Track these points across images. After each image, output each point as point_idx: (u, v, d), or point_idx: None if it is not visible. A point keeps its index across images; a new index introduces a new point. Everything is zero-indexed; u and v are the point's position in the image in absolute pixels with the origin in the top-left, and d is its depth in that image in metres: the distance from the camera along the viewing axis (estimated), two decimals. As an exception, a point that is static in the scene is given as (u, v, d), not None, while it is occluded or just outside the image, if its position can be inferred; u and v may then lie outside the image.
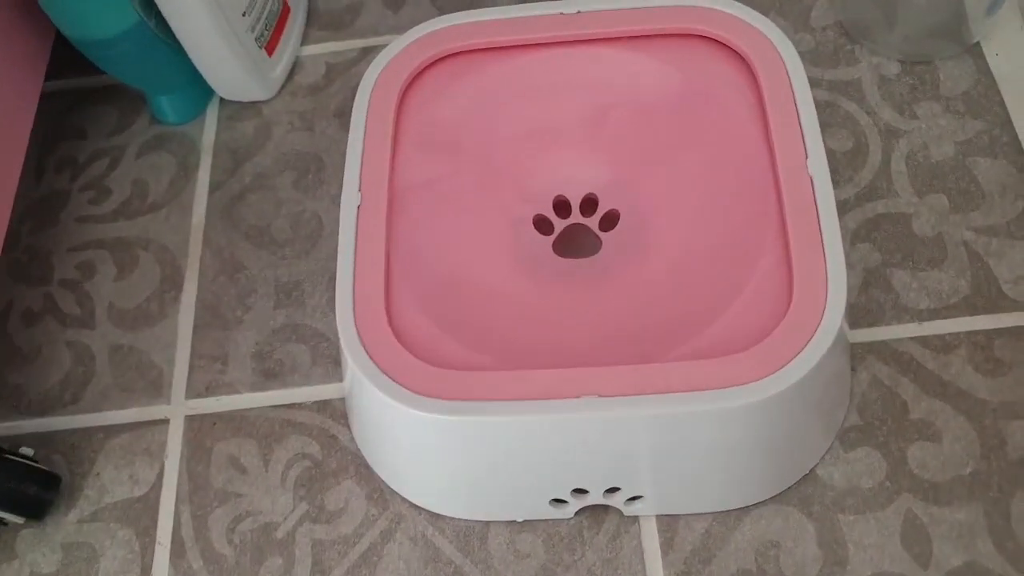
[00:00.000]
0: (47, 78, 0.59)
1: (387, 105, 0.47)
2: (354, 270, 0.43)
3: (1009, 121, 0.54)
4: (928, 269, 0.50)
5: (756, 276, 0.41)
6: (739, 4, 0.47)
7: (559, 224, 0.47)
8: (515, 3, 0.60)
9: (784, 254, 0.41)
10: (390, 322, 0.42)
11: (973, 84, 0.55)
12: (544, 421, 0.39)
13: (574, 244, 0.47)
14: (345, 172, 0.45)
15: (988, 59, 0.56)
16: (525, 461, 0.42)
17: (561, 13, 0.48)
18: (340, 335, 0.41)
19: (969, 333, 0.48)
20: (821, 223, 0.41)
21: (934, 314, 0.49)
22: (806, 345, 0.39)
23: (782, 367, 0.39)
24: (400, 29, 0.61)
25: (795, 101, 0.44)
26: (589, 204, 0.48)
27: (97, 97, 0.61)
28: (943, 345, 0.48)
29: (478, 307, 0.43)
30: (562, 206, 0.48)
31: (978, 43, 0.56)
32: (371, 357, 0.40)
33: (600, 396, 0.39)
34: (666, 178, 0.46)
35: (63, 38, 0.53)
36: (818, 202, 0.42)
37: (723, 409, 0.38)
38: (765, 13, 0.57)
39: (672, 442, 0.40)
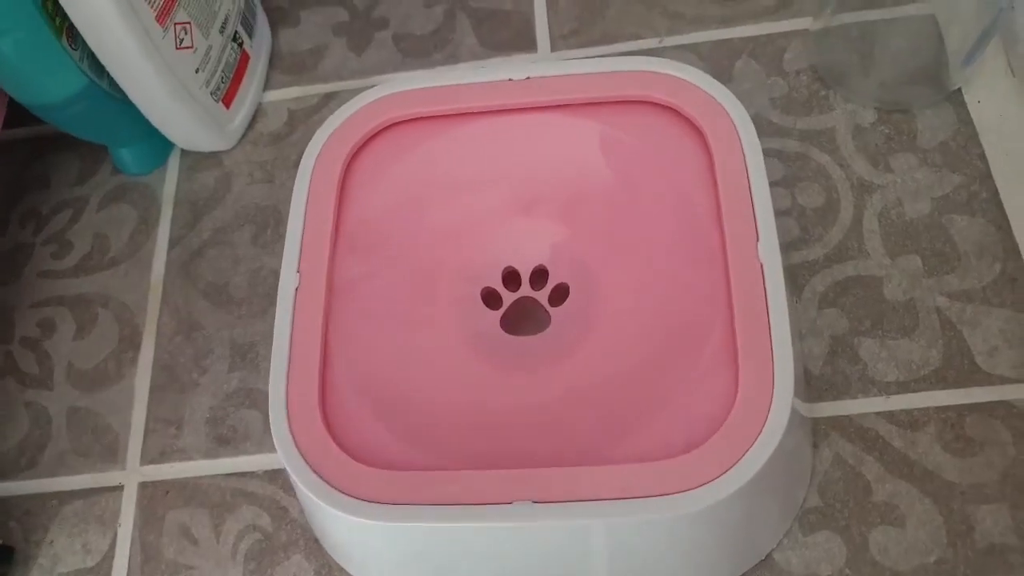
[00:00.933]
0: (10, 125, 0.58)
1: (330, 178, 0.46)
2: (289, 358, 0.42)
3: (989, 175, 0.51)
4: (898, 338, 0.48)
5: (700, 370, 0.40)
6: (694, 69, 0.45)
7: (508, 297, 0.46)
8: (470, 58, 0.59)
9: (731, 346, 0.40)
10: (323, 414, 0.41)
11: (952, 134, 0.52)
12: (476, 528, 0.38)
13: (523, 319, 0.46)
14: (285, 248, 0.44)
15: (969, 107, 0.53)
16: (463, 562, 0.41)
17: (510, 79, 0.47)
18: (271, 425, 0.40)
19: (939, 408, 0.46)
20: (770, 316, 0.39)
21: (903, 387, 0.47)
22: (748, 451, 0.37)
23: (722, 474, 0.37)
24: (363, 73, 0.60)
25: (748, 177, 0.42)
26: (539, 276, 0.46)
27: (60, 145, 0.61)
28: (911, 421, 0.46)
29: (418, 397, 0.42)
30: (511, 278, 0.46)
31: (959, 89, 0.53)
32: (301, 452, 0.40)
33: (534, 502, 0.37)
34: (616, 253, 0.45)
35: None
36: (768, 293, 0.40)
37: (661, 518, 0.37)
38: (736, 55, 0.56)
39: (613, 548, 0.39)
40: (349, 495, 0.38)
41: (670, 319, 0.42)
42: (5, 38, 0.46)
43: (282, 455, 0.40)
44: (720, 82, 0.45)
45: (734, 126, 0.44)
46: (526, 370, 0.43)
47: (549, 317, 0.45)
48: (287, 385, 0.41)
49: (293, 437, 0.40)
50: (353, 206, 0.46)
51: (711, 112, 0.44)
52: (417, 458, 0.40)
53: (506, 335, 0.45)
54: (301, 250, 0.44)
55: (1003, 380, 0.46)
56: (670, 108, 0.45)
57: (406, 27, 0.61)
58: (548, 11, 0.60)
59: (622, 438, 0.39)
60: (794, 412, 0.39)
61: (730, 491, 0.37)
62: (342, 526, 0.41)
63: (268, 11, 0.62)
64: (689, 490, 0.37)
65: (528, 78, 0.46)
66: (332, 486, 0.39)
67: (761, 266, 0.40)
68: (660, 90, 0.45)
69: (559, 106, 0.46)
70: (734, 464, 0.37)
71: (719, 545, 0.41)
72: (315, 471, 0.39)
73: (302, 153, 0.47)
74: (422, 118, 0.47)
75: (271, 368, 0.41)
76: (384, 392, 0.42)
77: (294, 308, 0.43)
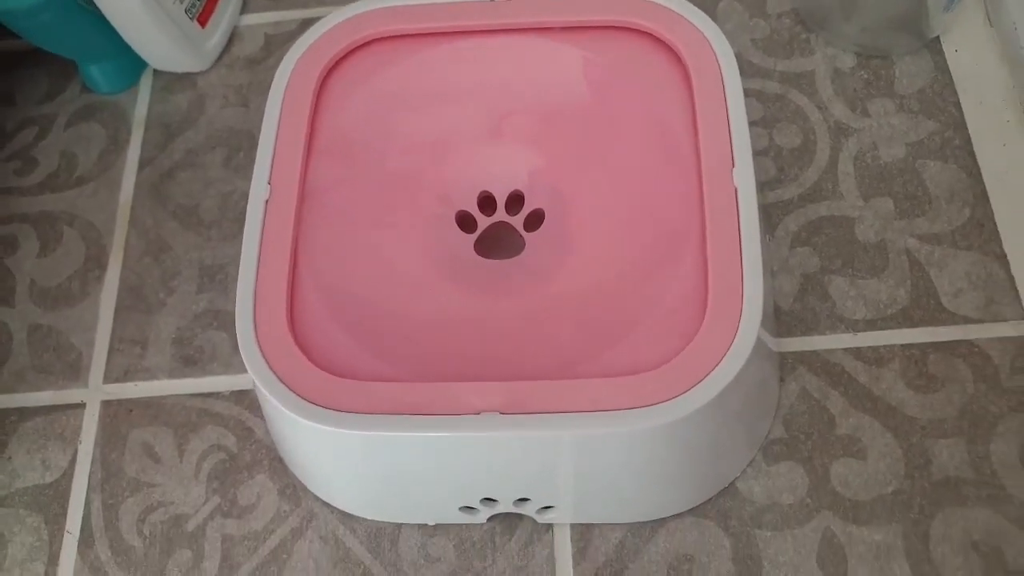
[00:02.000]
0: (-26, 41, 0.57)
1: (304, 92, 0.45)
2: (257, 269, 0.41)
3: (963, 123, 0.52)
4: (867, 277, 0.49)
5: (672, 291, 0.40)
6: (677, -4, 0.45)
7: (483, 222, 0.46)
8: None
9: (703, 267, 0.40)
10: (291, 326, 0.40)
11: (929, 82, 0.53)
12: (443, 437, 0.38)
13: (497, 243, 0.46)
14: (256, 160, 0.44)
15: (947, 55, 0.53)
16: (428, 474, 0.41)
17: (490, -1, 0.46)
18: (238, 336, 0.40)
19: (904, 346, 0.47)
20: (742, 238, 0.39)
21: (870, 325, 0.48)
22: (713, 369, 0.37)
23: (687, 391, 0.37)
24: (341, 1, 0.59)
25: (727, 105, 0.42)
26: (515, 201, 0.46)
27: (27, 61, 0.59)
28: (876, 358, 0.47)
29: (389, 312, 0.42)
30: (487, 203, 0.46)
31: (938, 38, 0.54)
32: (268, 363, 0.39)
33: (500, 413, 0.37)
34: (592, 178, 0.44)
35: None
36: (740, 216, 0.40)
37: (626, 432, 0.37)
38: (720, -4, 0.55)
39: (579, 461, 0.39)
40: (316, 404, 0.38)
41: (644, 242, 0.42)
42: (-27, -64, 0.45)
43: (248, 365, 0.39)
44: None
45: (715, 55, 0.44)
46: (498, 291, 0.43)
47: (523, 242, 0.45)
48: (255, 296, 0.40)
49: (260, 347, 0.39)
50: (327, 122, 0.45)
51: (692, 40, 0.44)
52: (386, 371, 0.40)
53: (479, 258, 0.45)
54: (273, 163, 0.43)
55: (967, 320, 0.47)
56: (650, 35, 0.45)
57: (387, -44, 0.60)
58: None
59: (592, 355, 0.39)
60: (761, 334, 0.39)
61: (695, 407, 0.37)
62: (307, 437, 0.40)
63: (246, -66, 0.61)
64: (654, 404, 0.37)
65: None
66: (299, 395, 0.38)
67: (735, 191, 0.41)
68: (641, 16, 0.45)
69: (538, 29, 0.46)
70: (700, 380, 0.37)
71: (683, 466, 0.42)
72: (282, 380, 0.39)
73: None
74: (398, 36, 0.46)
75: (239, 278, 0.41)
76: (354, 306, 0.42)
77: (264, 219, 0.42)
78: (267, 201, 0.43)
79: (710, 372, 0.37)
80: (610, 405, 0.37)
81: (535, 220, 0.45)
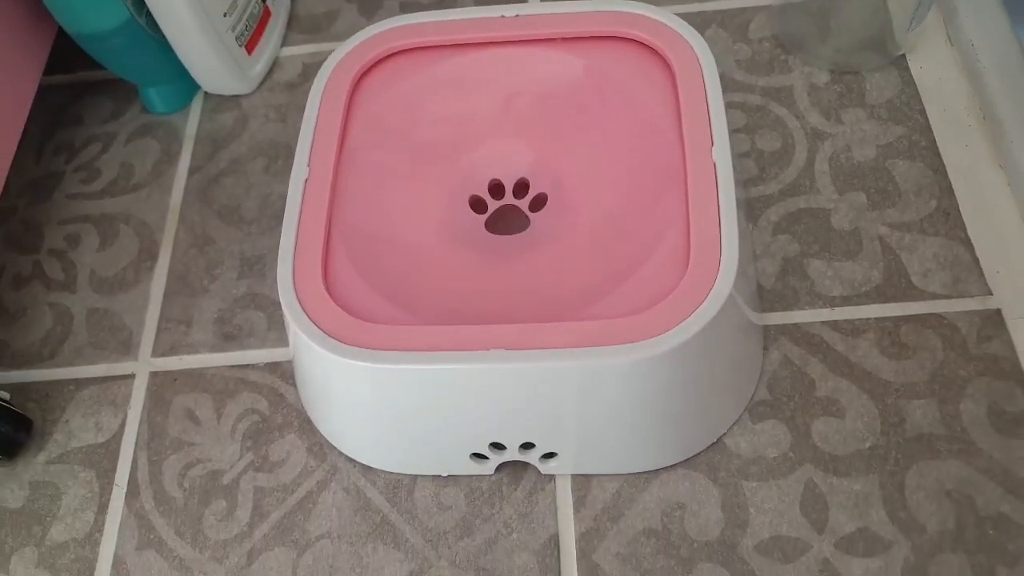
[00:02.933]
0: (52, 72, 0.65)
1: (339, 93, 0.52)
2: (297, 232, 0.47)
3: (929, 128, 0.57)
4: (843, 260, 0.53)
5: (661, 249, 0.45)
6: (663, 10, 0.52)
7: (493, 204, 0.52)
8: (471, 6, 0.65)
9: (686, 228, 0.45)
10: (325, 279, 0.46)
11: (897, 93, 0.59)
12: (454, 370, 0.43)
13: (505, 223, 0.51)
14: (297, 148, 0.50)
15: (912, 71, 0.59)
16: (441, 410, 0.45)
17: (502, 16, 0.53)
18: (278, 285, 0.45)
19: (878, 319, 0.52)
20: (720, 202, 0.45)
21: (846, 301, 0.52)
22: (698, 307, 0.42)
23: (676, 326, 0.42)
24: (372, 33, 0.66)
25: (706, 96, 0.48)
26: (521, 187, 0.52)
27: (95, 89, 0.67)
28: (852, 329, 0.51)
29: (409, 271, 0.47)
30: (497, 189, 0.52)
31: (904, 56, 0.60)
32: (303, 308, 0.45)
33: (507, 349, 0.42)
34: (590, 164, 0.50)
35: (67, 34, 0.59)
36: (719, 184, 0.45)
37: (621, 363, 0.42)
38: (707, 25, 0.62)
39: (576, 396, 0.44)
40: (344, 342, 0.43)
41: (635, 217, 0.47)
42: (61, -34, 0.53)
43: (288, 313, 0.45)
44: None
45: (696, 55, 0.50)
46: (507, 256, 0.48)
47: (529, 221, 0.51)
48: (295, 251, 0.46)
49: (296, 292, 0.45)
50: (358, 118, 0.52)
51: (676, 44, 0.50)
52: (405, 318, 0.45)
53: (489, 234, 0.50)
54: (312, 149, 0.50)
55: (935, 296, 0.52)
56: (641, 43, 0.51)
57: (414, -3, 0.68)
58: (541, -14, 0.67)
59: (590, 303, 0.44)
60: (740, 279, 0.43)
61: (682, 339, 0.41)
62: (327, 373, 0.45)
63: (290, -19, 0.70)
64: (645, 340, 0.42)
65: (517, 16, 0.53)
66: (329, 335, 0.44)
67: (714, 164, 0.46)
68: (632, 27, 0.51)
69: (544, 40, 0.53)
70: (686, 318, 0.42)
71: (674, 411, 0.46)
72: (316, 323, 0.44)
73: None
74: (422, 48, 0.53)
75: (282, 234, 0.47)
76: (379, 270, 0.47)
77: (304, 192, 0.48)
78: (306, 180, 0.49)
79: (695, 310, 0.42)
80: (606, 341, 0.42)
81: (539, 202, 0.51)
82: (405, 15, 0.54)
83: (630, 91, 0.51)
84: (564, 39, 0.53)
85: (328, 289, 0.46)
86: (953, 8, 0.59)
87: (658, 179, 0.48)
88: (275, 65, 0.66)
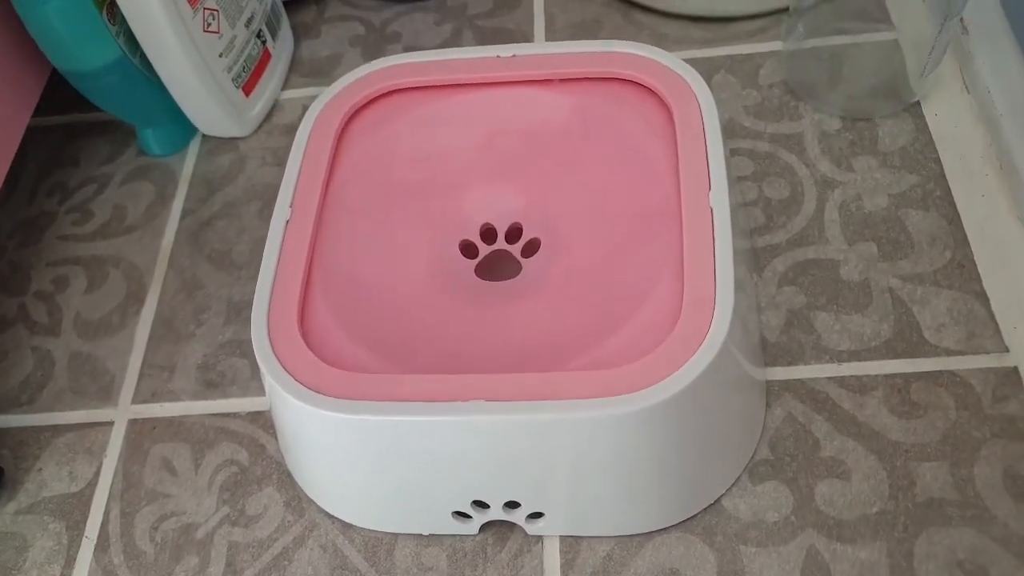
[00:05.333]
0: (49, 112, 0.64)
1: (328, 132, 0.50)
2: (275, 275, 0.45)
3: (943, 176, 0.55)
4: (852, 313, 0.51)
5: (654, 298, 0.43)
6: (660, 50, 0.50)
7: (484, 250, 0.50)
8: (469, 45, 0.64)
9: (679, 278, 0.43)
10: (301, 325, 0.44)
11: (911, 141, 0.56)
12: (432, 422, 0.40)
13: (497, 269, 0.49)
14: (280, 188, 0.48)
15: (927, 118, 0.57)
16: (419, 464, 0.43)
17: (498, 56, 0.52)
18: (252, 331, 0.44)
19: (887, 376, 0.49)
20: (716, 249, 0.43)
21: (854, 356, 0.49)
22: (690, 358, 0.40)
23: (664, 378, 0.39)
24: (373, 77, 0.66)
25: (705, 138, 0.46)
26: (514, 232, 0.50)
27: (94, 131, 0.66)
28: (860, 386, 0.49)
29: (393, 318, 0.45)
30: (489, 233, 0.50)
31: (918, 103, 0.58)
32: (276, 355, 0.43)
33: (488, 400, 0.40)
34: (584, 208, 0.48)
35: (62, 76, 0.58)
36: (715, 230, 0.43)
37: (605, 417, 0.39)
38: (715, 70, 0.61)
39: (563, 451, 0.41)
40: (317, 392, 0.41)
41: (629, 263, 0.45)
42: (52, 4, 0.52)
43: (260, 358, 0.43)
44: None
45: (695, 95, 0.48)
46: (494, 304, 0.46)
47: (520, 267, 0.49)
48: (271, 295, 0.44)
49: (271, 340, 0.43)
50: (346, 158, 0.50)
51: (675, 86, 0.49)
52: (382, 366, 0.43)
53: (479, 280, 0.48)
54: (295, 190, 0.48)
55: (948, 352, 0.49)
56: (638, 83, 0.50)
57: (416, 41, 0.67)
58: (546, 31, 0.66)
59: (578, 354, 0.42)
60: (734, 327, 0.41)
61: (670, 394, 0.39)
62: (304, 424, 0.43)
63: (293, 25, 0.69)
64: (631, 392, 0.39)
65: (513, 56, 0.51)
66: (304, 385, 0.42)
67: (711, 210, 0.44)
68: (630, 68, 0.50)
69: (540, 81, 0.51)
70: (677, 370, 0.40)
71: (665, 473, 0.43)
72: (289, 372, 0.42)
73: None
74: (415, 88, 0.52)
75: (258, 279, 0.45)
76: (360, 316, 0.45)
77: (284, 235, 0.46)
78: (288, 222, 0.47)
79: (686, 361, 0.40)
80: (594, 393, 0.39)
81: (532, 248, 0.49)
82: (397, 55, 0.53)
83: (628, 134, 0.49)
84: (561, 80, 0.51)
85: (304, 336, 0.44)
86: (969, 53, 0.57)
87: (653, 224, 0.46)
88: (275, 107, 0.65)
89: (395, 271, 0.47)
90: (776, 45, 0.62)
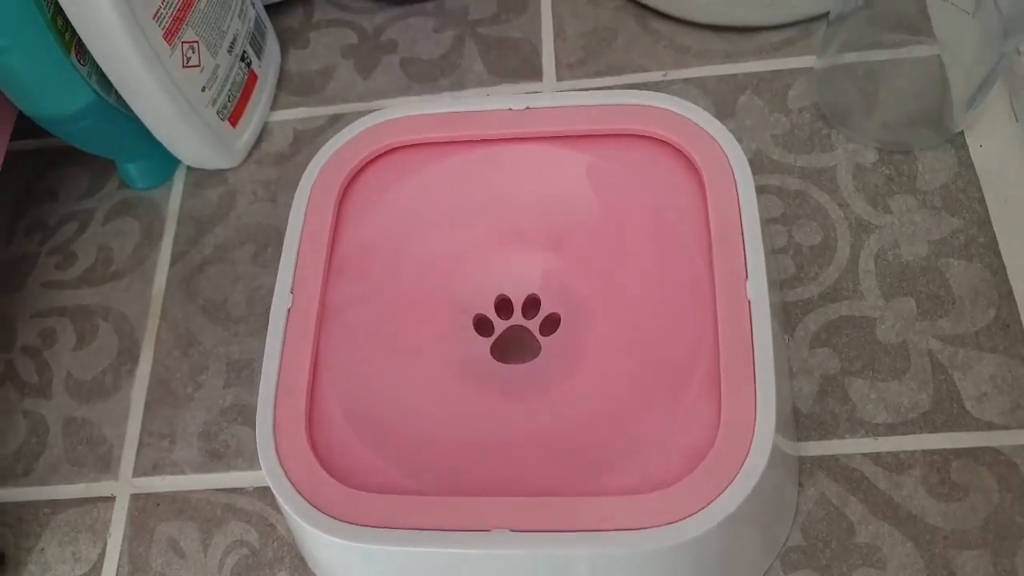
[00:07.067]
0: (20, 136, 0.60)
1: (326, 202, 0.46)
2: (278, 377, 0.42)
3: (988, 220, 0.51)
4: (888, 380, 0.48)
5: (684, 406, 0.40)
6: (691, 105, 0.46)
7: (499, 325, 0.46)
8: (477, 84, 0.59)
9: (715, 383, 0.40)
10: (310, 436, 0.41)
11: (953, 178, 0.52)
12: (453, 554, 0.38)
13: (514, 347, 0.46)
14: (278, 273, 0.45)
15: (971, 150, 0.53)
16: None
17: (510, 108, 0.47)
18: (258, 446, 0.41)
19: (926, 452, 0.46)
20: (755, 356, 0.39)
21: (891, 429, 0.47)
22: (725, 489, 0.37)
23: (699, 511, 0.37)
24: (369, 96, 0.61)
25: (740, 214, 0.43)
26: (531, 305, 0.47)
27: (70, 159, 0.62)
28: (897, 464, 0.46)
29: (405, 421, 0.42)
30: (503, 306, 0.47)
31: (961, 132, 0.53)
32: (286, 473, 0.40)
33: (511, 530, 0.38)
34: (607, 284, 0.45)
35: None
36: (754, 331, 0.40)
37: (638, 552, 0.37)
38: (741, 91, 0.56)
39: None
40: (331, 516, 0.39)
41: (657, 354, 0.42)
42: (14, 52, 0.47)
43: (267, 475, 0.40)
44: (722, 118, 0.46)
45: (729, 163, 0.44)
46: (513, 398, 0.43)
47: (539, 346, 0.46)
48: (275, 405, 0.41)
49: (279, 457, 0.40)
50: (349, 230, 0.47)
51: (706, 148, 0.45)
52: (401, 483, 0.40)
53: (496, 362, 0.45)
54: (295, 272, 0.45)
55: (991, 426, 0.46)
56: (665, 142, 0.46)
57: (414, 51, 0.62)
58: (556, 40, 0.61)
59: (604, 471, 0.40)
60: (775, 450, 0.39)
61: (707, 527, 0.37)
62: (323, 547, 0.41)
63: (279, 31, 0.63)
64: (667, 524, 0.37)
65: (527, 108, 0.47)
66: (315, 507, 0.39)
67: (749, 304, 0.41)
68: (656, 124, 0.46)
69: (556, 137, 0.47)
70: (712, 500, 0.37)
71: (698, 582, 0.41)
72: (299, 492, 0.40)
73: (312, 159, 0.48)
74: (420, 144, 0.48)
75: (260, 388, 0.42)
76: (371, 416, 0.42)
77: (286, 329, 0.43)
78: (289, 310, 0.44)
79: (723, 491, 0.37)
80: (621, 524, 0.37)
81: (551, 324, 0.46)
82: (399, 104, 0.49)
83: (653, 199, 0.46)
84: (578, 137, 0.47)
85: (314, 446, 0.41)
86: (1021, 78, 0.52)
87: (683, 308, 0.43)
88: (264, 132, 0.60)
89: (407, 359, 0.44)
90: (805, 60, 0.57)
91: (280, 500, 0.40)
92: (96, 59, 0.50)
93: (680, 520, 0.37)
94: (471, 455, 0.41)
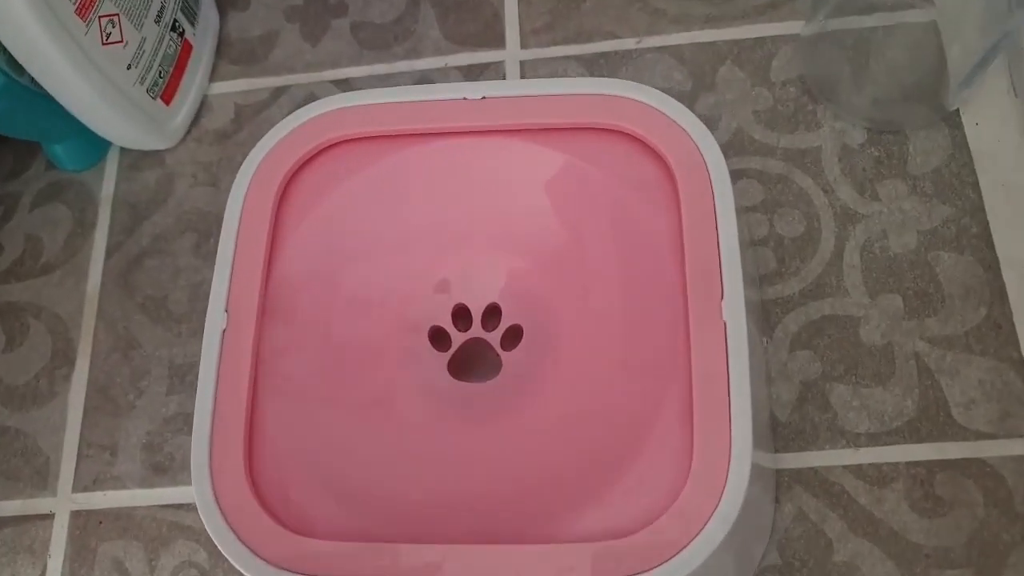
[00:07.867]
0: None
1: (264, 204, 0.42)
2: (213, 409, 0.39)
3: (981, 208, 0.48)
4: (872, 385, 0.45)
5: (653, 441, 0.37)
6: (664, 96, 0.41)
7: (457, 338, 0.43)
8: (433, 52, 0.54)
9: (687, 413, 0.37)
10: (249, 473, 0.38)
11: (946, 160, 0.49)
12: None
13: (472, 361, 0.43)
14: (213, 284, 0.41)
15: (966, 129, 0.49)
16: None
17: (465, 98, 0.43)
18: (193, 486, 0.38)
19: (909, 464, 0.44)
20: (730, 386, 0.36)
21: (873, 439, 0.44)
22: (699, 533, 0.35)
23: (672, 556, 0.35)
24: (317, 66, 0.56)
25: (717, 228, 0.39)
26: (491, 315, 0.43)
27: (-8, 135, 0.57)
28: (879, 477, 0.44)
29: (354, 444, 0.39)
30: (461, 315, 0.43)
31: (957, 111, 0.49)
32: (225, 517, 0.37)
33: (468, 581, 0.35)
34: (573, 294, 0.41)
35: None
36: (729, 358, 0.37)
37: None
38: (721, 60, 0.52)
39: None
40: (273, 564, 0.36)
41: (626, 379, 0.39)
42: (-90, 39, 0.42)
43: (206, 521, 0.37)
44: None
45: (705, 166, 0.40)
46: (472, 424, 0.40)
47: (500, 362, 0.42)
48: (211, 439, 0.38)
49: (217, 501, 0.37)
50: (289, 236, 0.42)
51: (682, 149, 0.40)
52: (347, 525, 0.37)
53: (453, 380, 0.42)
54: (230, 287, 0.41)
55: (978, 436, 0.44)
56: (637, 139, 0.41)
57: (365, 15, 0.56)
58: (519, 3, 0.56)
59: (569, 512, 0.37)
60: (752, 483, 0.36)
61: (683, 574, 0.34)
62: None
63: (217, -9, 0.58)
64: (641, 573, 0.34)
65: (484, 98, 0.42)
66: (257, 555, 0.36)
67: (724, 326, 0.37)
68: (627, 118, 0.41)
69: (517, 130, 0.42)
70: (685, 546, 0.35)
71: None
72: (240, 539, 0.37)
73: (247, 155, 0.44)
74: (367, 138, 0.43)
75: (195, 417, 0.39)
76: (316, 442, 0.39)
77: (220, 350, 0.39)
78: (224, 331, 0.40)
79: (697, 534, 0.35)
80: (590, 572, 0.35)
81: (513, 337, 0.42)
82: (342, 95, 0.44)
83: (620, 198, 0.42)
84: (543, 130, 0.42)
85: (254, 485, 0.38)
86: (1020, 48, 0.48)
87: (653, 324, 0.39)
88: (203, 106, 0.55)
89: (356, 379, 0.41)
90: (791, 26, 0.52)
91: (221, 549, 0.37)
92: (1, 40, 0.44)
93: (653, 568, 0.35)
94: (423, 495, 0.38)
